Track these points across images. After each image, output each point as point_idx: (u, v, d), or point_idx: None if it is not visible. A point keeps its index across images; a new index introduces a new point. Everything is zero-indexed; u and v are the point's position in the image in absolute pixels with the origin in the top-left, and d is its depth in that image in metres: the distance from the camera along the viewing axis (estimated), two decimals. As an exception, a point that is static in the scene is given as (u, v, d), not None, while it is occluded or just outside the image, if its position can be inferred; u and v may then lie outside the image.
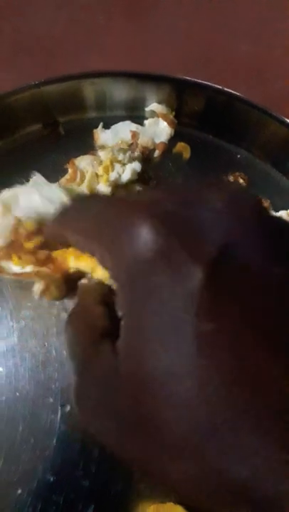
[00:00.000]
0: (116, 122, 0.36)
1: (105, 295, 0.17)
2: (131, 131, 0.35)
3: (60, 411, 0.29)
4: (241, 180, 0.34)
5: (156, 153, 0.35)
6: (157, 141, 0.35)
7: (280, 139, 0.35)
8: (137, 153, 0.33)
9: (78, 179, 0.32)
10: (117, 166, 0.31)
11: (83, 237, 0.17)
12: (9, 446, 0.28)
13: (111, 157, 0.32)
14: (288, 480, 0.12)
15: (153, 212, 0.14)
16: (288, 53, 0.46)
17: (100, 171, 0.32)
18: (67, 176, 0.33)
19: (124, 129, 0.35)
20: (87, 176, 0.32)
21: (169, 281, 0.13)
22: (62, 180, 0.33)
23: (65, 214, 0.19)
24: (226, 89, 0.34)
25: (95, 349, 0.15)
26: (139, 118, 0.37)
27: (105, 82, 0.36)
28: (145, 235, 0.14)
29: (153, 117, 0.36)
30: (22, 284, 0.30)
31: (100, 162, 0.32)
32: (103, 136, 0.35)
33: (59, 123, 0.37)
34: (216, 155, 0.36)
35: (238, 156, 0.37)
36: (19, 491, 0.28)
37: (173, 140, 0.36)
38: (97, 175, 0.32)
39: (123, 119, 0.36)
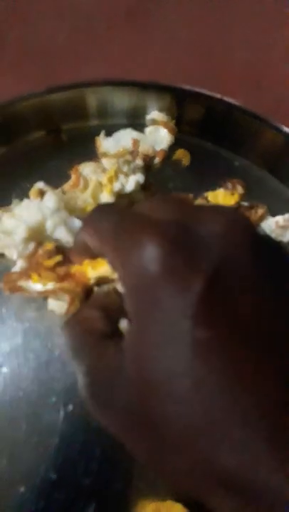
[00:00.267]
0: (117, 130, 0.37)
1: (102, 300, 0.20)
2: (132, 138, 0.36)
3: (62, 410, 0.30)
4: (239, 187, 0.35)
5: (157, 160, 0.36)
6: (158, 148, 0.36)
7: (277, 146, 0.36)
8: (140, 165, 0.33)
9: (81, 186, 0.33)
10: (121, 177, 0.32)
11: (99, 241, 0.19)
12: (13, 445, 0.29)
13: (115, 168, 0.32)
14: (276, 472, 0.13)
15: (160, 231, 0.16)
16: (286, 62, 0.47)
17: (104, 180, 0.32)
18: (70, 182, 0.33)
19: (126, 137, 0.36)
20: (91, 185, 0.32)
21: (170, 294, 0.15)
22: (65, 186, 0.34)
23: (87, 217, 0.21)
24: (225, 98, 0.35)
25: (102, 349, 0.17)
26: (140, 126, 0.38)
27: (107, 90, 0.36)
28: (153, 252, 0.16)
29: (154, 125, 0.37)
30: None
31: (103, 169, 0.33)
32: (105, 143, 0.36)
33: (62, 130, 0.38)
34: (215, 162, 0.37)
35: (236, 163, 0.38)
36: (22, 489, 0.28)
37: (173, 147, 0.37)
38: (100, 184, 0.32)
39: (124, 126, 0.37)
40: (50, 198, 0.30)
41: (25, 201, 0.30)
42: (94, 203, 0.32)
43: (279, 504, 0.13)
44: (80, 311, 0.20)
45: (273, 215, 0.35)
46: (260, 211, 0.34)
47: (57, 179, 0.34)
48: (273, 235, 0.34)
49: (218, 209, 0.18)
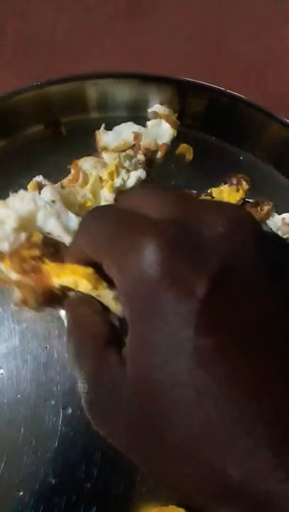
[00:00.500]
0: (118, 123, 0.36)
1: (98, 305, 0.19)
2: (133, 132, 0.35)
3: (61, 413, 0.29)
4: (244, 182, 0.34)
5: (159, 155, 0.35)
6: (160, 142, 0.35)
7: (283, 140, 0.35)
8: (142, 160, 0.32)
9: (81, 181, 0.32)
10: (122, 172, 0.31)
11: (94, 247, 0.18)
12: (11, 448, 0.28)
13: (117, 163, 0.31)
14: (282, 483, 0.13)
15: (159, 232, 0.15)
16: (290, 55, 0.46)
17: (105, 175, 0.31)
18: (69, 177, 0.33)
19: (127, 131, 0.35)
20: (91, 180, 0.31)
21: (172, 301, 0.14)
22: (65, 180, 0.33)
23: (82, 222, 0.20)
24: (228, 91, 0.34)
25: (102, 358, 0.16)
26: (141, 119, 0.37)
27: (108, 82, 0.36)
28: (152, 256, 0.15)
29: (155, 118, 0.36)
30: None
31: (104, 164, 0.32)
32: (105, 137, 0.35)
33: (61, 123, 0.37)
34: (219, 157, 0.36)
35: (241, 157, 0.37)
36: (21, 493, 0.28)
37: (175, 141, 0.36)
38: (101, 179, 0.32)
39: (125, 120, 0.36)
40: (47, 190, 0.30)
41: (21, 192, 0.29)
42: (93, 199, 0.31)
43: None
44: (82, 315, 0.19)
45: (280, 212, 0.34)
46: (266, 208, 0.33)
47: (56, 174, 0.33)
48: (279, 232, 0.33)
49: (219, 205, 0.17)
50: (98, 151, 0.35)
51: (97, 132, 0.35)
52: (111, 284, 0.19)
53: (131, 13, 0.48)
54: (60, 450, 0.28)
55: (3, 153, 0.36)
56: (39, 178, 0.32)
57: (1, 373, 0.30)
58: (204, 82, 0.35)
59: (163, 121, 0.36)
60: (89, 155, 0.33)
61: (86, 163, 0.32)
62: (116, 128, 0.36)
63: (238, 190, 0.34)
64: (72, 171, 0.32)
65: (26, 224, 0.28)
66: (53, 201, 0.29)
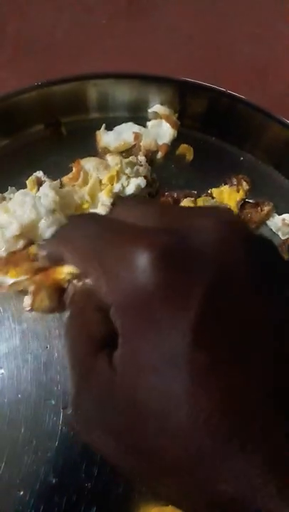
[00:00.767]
0: (118, 123, 0.36)
1: (100, 300, 0.18)
2: (133, 132, 0.35)
3: (62, 413, 0.29)
4: (244, 183, 0.34)
5: (159, 155, 0.35)
6: (160, 142, 0.35)
7: (283, 141, 0.35)
8: (144, 171, 0.32)
9: (80, 180, 0.32)
10: (123, 178, 0.31)
11: (79, 258, 0.17)
12: (11, 447, 0.28)
13: (118, 168, 0.31)
14: (273, 498, 0.13)
15: (151, 242, 0.15)
16: (290, 55, 0.46)
17: (105, 179, 0.31)
18: (69, 175, 0.33)
19: (127, 131, 0.35)
20: (91, 181, 0.31)
21: (166, 315, 0.14)
22: (65, 178, 0.33)
23: (63, 231, 0.19)
24: (229, 91, 0.34)
25: (93, 361, 0.16)
26: (141, 119, 0.37)
27: (108, 83, 0.36)
28: (145, 267, 0.14)
29: (156, 119, 0.36)
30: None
31: (106, 166, 0.32)
32: (105, 137, 0.35)
33: (61, 123, 0.37)
34: (219, 157, 0.36)
35: (241, 158, 0.37)
36: (21, 493, 0.28)
37: (176, 142, 0.36)
38: (100, 182, 0.32)
39: (125, 120, 0.36)
40: (47, 196, 0.30)
41: (20, 193, 0.29)
42: (90, 201, 0.31)
43: None
44: (80, 310, 0.18)
45: (280, 212, 0.34)
46: (266, 208, 0.33)
47: (56, 174, 0.33)
48: (280, 233, 0.33)
49: (206, 211, 0.17)
50: (99, 151, 0.35)
51: (97, 132, 0.35)
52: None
53: (131, 13, 0.48)
54: (60, 450, 0.28)
55: (3, 153, 0.36)
56: (39, 174, 0.32)
57: (2, 373, 0.30)
58: (204, 83, 0.35)
59: (163, 121, 0.36)
60: (93, 156, 0.33)
61: (88, 164, 0.32)
62: (116, 128, 0.36)
63: (238, 191, 0.34)
64: (74, 169, 0.32)
65: (27, 231, 0.28)
66: (54, 210, 0.29)
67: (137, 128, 0.35)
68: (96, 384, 0.15)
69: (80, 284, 0.19)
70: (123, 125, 0.36)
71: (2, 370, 0.30)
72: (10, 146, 0.36)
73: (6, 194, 0.32)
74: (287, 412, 0.13)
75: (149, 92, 0.36)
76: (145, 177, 0.32)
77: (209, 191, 0.34)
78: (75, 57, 0.45)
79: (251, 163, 0.36)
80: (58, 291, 0.23)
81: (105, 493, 0.28)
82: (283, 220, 0.33)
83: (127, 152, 0.35)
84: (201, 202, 0.33)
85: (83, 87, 0.35)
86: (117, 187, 0.31)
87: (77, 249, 0.18)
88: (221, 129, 0.37)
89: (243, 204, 0.34)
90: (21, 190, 0.30)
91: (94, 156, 0.34)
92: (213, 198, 0.33)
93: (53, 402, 0.29)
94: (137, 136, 0.35)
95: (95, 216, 0.21)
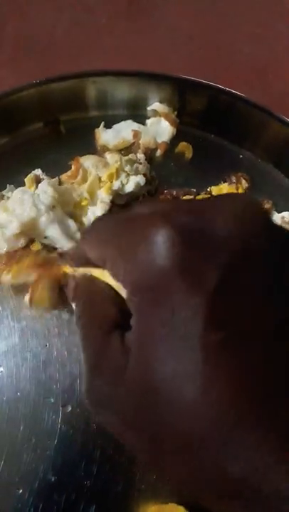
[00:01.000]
0: (117, 121, 0.36)
1: (107, 285, 0.18)
2: (133, 130, 0.35)
3: (61, 411, 0.29)
4: (243, 181, 0.34)
5: (158, 153, 0.35)
6: (159, 140, 0.35)
7: (283, 140, 0.35)
8: (143, 169, 0.32)
9: (79, 178, 0.32)
10: (122, 176, 0.31)
11: (97, 247, 0.17)
12: (10, 446, 0.28)
13: (118, 166, 0.31)
14: (284, 474, 0.13)
15: (169, 222, 0.15)
16: (290, 54, 0.46)
17: (104, 177, 0.31)
18: (68, 173, 0.33)
19: (126, 129, 0.35)
20: (90, 179, 0.31)
21: (181, 292, 0.14)
22: (63, 176, 0.33)
23: (88, 229, 0.20)
24: (228, 89, 0.34)
25: (106, 341, 0.16)
26: (140, 117, 0.37)
27: (107, 80, 0.36)
28: (161, 244, 0.14)
29: (155, 116, 0.36)
30: (23, 283, 0.30)
31: (105, 164, 0.32)
32: (104, 135, 0.35)
33: (60, 121, 0.37)
34: (219, 155, 0.36)
35: (241, 156, 0.37)
36: (20, 491, 0.28)
37: (175, 140, 0.36)
38: (100, 179, 0.32)
39: (125, 118, 0.36)
40: (46, 194, 0.30)
41: (19, 191, 0.29)
42: (89, 198, 0.31)
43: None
44: (94, 291, 0.18)
45: (279, 210, 0.34)
46: (266, 206, 0.33)
47: (55, 172, 0.33)
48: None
49: (227, 196, 0.17)
50: (98, 149, 0.35)
51: (96, 130, 0.35)
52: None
53: (131, 13, 0.48)
54: (59, 448, 0.28)
55: (1, 151, 0.36)
56: (37, 172, 0.32)
57: (1, 371, 0.30)
58: (204, 81, 0.35)
59: (162, 119, 0.36)
60: (91, 154, 0.33)
61: (88, 161, 0.32)
62: (115, 126, 0.36)
63: (237, 189, 0.34)
64: (73, 167, 0.32)
65: (27, 229, 0.28)
66: (54, 206, 0.29)
67: (136, 126, 0.35)
68: (108, 364, 0.16)
69: (80, 274, 0.19)
70: (122, 123, 0.36)
71: (1, 368, 0.30)
72: (9, 144, 0.36)
73: (4, 192, 0.32)
74: None
75: (148, 89, 0.36)
76: (144, 175, 0.32)
77: (208, 189, 0.34)
78: (75, 57, 0.45)
79: (251, 161, 0.36)
80: (57, 287, 0.23)
81: (105, 492, 0.28)
82: (283, 218, 0.33)
83: (126, 150, 0.35)
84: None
85: (82, 84, 0.35)
86: (116, 184, 0.31)
87: (95, 240, 0.18)
88: (221, 127, 0.37)
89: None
90: (20, 189, 0.30)
91: (93, 154, 0.34)
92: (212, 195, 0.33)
93: (52, 400, 0.29)
94: (136, 134, 0.35)
95: (118, 213, 0.22)
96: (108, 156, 0.33)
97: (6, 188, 0.32)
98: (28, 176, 0.33)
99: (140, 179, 0.32)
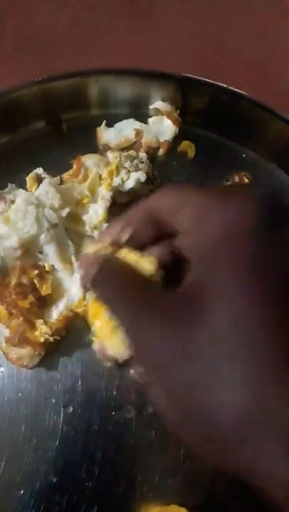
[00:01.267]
0: (119, 120, 0.36)
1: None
2: (135, 129, 0.35)
3: (62, 412, 0.29)
4: (246, 180, 0.34)
5: (161, 152, 0.35)
6: (161, 139, 0.35)
7: (285, 139, 0.35)
8: (144, 167, 0.32)
9: (81, 177, 0.32)
10: (122, 172, 0.31)
11: (177, 198, 0.18)
12: (11, 446, 0.28)
13: (118, 162, 0.31)
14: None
15: (249, 195, 0.16)
16: (292, 52, 0.46)
17: (105, 174, 0.31)
18: (70, 172, 0.32)
19: (128, 127, 0.35)
20: (91, 176, 0.31)
21: (233, 249, 0.15)
22: (65, 175, 0.33)
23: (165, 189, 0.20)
24: (230, 87, 0.34)
25: (146, 299, 0.17)
26: (143, 116, 0.36)
27: (109, 79, 0.35)
28: (249, 208, 0.16)
29: (157, 115, 0.36)
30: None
31: (107, 163, 0.32)
32: (106, 134, 0.35)
33: (62, 120, 0.36)
34: (221, 154, 0.36)
35: (243, 155, 0.36)
36: (21, 492, 0.27)
37: (177, 138, 0.36)
38: (100, 177, 0.31)
39: (127, 116, 0.36)
40: (47, 194, 0.29)
41: (23, 200, 0.29)
42: (90, 196, 0.31)
43: None
44: (120, 263, 0.19)
45: (282, 209, 0.34)
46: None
47: (56, 170, 0.33)
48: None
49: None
50: (100, 148, 0.35)
51: (98, 129, 0.35)
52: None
53: (132, 11, 0.48)
54: (61, 449, 0.28)
55: (3, 150, 0.35)
56: (39, 171, 0.32)
57: (2, 371, 0.30)
58: (207, 79, 0.34)
59: (165, 118, 0.36)
60: (93, 152, 0.33)
61: (89, 160, 0.32)
62: (117, 125, 0.35)
63: (240, 188, 0.34)
64: (74, 166, 0.32)
65: (26, 243, 0.28)
66: (56, 224, 0.29)
67: (138, 125, 0.35)
68: (156, 314, 0.16)
69: (103, 256, 0.19)
70: (124, 122, 0.36)
71: (2, 369, 0.30)
72: (10, 142, 0.36)
73: (6, 191, 0.32)
74: None
75: (150, 88, 0.36)
76: (146, 174, 0.32)
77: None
78: (76, 56, 0.44)
79: (253, 161, 0.36)
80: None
81: (106, 493, 0.27)
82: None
83: (128, 149, 0.34)
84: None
85: (84, 83, 0.35)
86: (116, 181, 0.31)
87: (178, 192, 0.19)
88: (223, 125, 0.36)
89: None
90: (24, 195, 0.30)
91: (94, 152, 0.34)
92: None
93: (54, 400, 0.29)
94: (138, 133, 0.34)
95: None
96: (110, 155, 0.33)
97: (7, 187, 0.32)
98: (30, 174, 0.32)
99: (140, 175, 0.31)
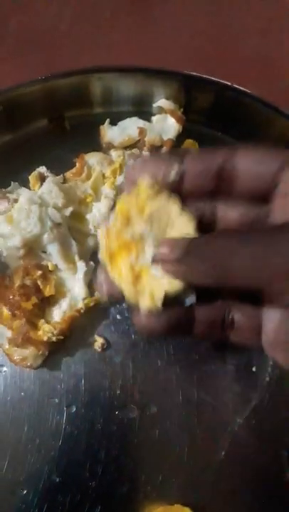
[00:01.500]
0: (122, 118, 0.36)
1: None
2: (138, 127, 0.34)
3: (65, 412, 0.29)
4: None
5: (164, 150, 0.35)
6: (165, 137, 0.35)
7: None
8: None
9: (84, 175, 0.32)
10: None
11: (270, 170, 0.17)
12: (14, 446, 0.28)
13: (121, 161, 0.31)
14: None
15: None
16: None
17: (108, 172, 0.31)
18: (73, 170, 0.32)
19: (132, 126, 0.35)
20: (94, 175, 0.31)
21: None
22: (68, 173, 0.33)
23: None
24: (234, 85, 0.34)
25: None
26: (146, 114, 0.36)
27: (112, 77, 0.35)
28: None
29: (161, 113, 0.36)
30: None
31: (110, 162, 0.32)
32: (110, 132, 0.34)
33: (65, 118, 0.36)
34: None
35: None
36: (25, 491, 0.27)
37: (181, 137, 0.35)
38: (104, 175, 0.31)
39: (130, 114, 0.36)
40: (50, 193, 0.29)
41: (27, 199, 0.29)
42: (94, 195, 0.31)
43: None
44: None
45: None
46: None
47: (59, 169, 0.33)
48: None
49: None
50: (103, 146, 0.34)
51: (101, 127, 0.35)
52: None
53: (135, 7, 0.48)
54: (64, 449, 0.28)
55: (6, 148, 0.35)
56: (42, 169, 0.32)
57: (4, 371, 0.30)
58: (210, 77, 0.34)
59: (168, 116, 0.35)
60: (96, 151, 0.33)
61: (92, 159, 0.32)
62: (120, 123, 0.35)
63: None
64: (78, 164, 0.32)
65: (29, 242, 0.28)
66: (59, 224, 0.29)
67: (141, 123, 0.35)
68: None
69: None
70: (127, 120, 0.35)
71: (5, 368, 0.30)
72: (13, 140, 0.36)
73: (8, 190, 0.31)
74: None
75: (153, 86, 0.35)
76: None
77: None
78: (78, 52, 0.44)
79: (257, 159, 0.36)
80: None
81: (110, 493, 0.27)
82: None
83: (131, 147, 0.34)
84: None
85: (87, 81, 0.35)
86: (120, 179, 0.31)
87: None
88: (227, 124, 0.36)
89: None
90: (27, 194, 0.30)
91: (98, 151, 0.34)
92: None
93: (57, 400, 0.29)
94: (142, 131, 0.34)
95: None
96: (113, 153, 0.32)
97: (10, 186, 0.32)
98: (33, 173, 0.32)
99: None
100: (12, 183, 0.32)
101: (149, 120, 0.36)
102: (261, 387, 0.29)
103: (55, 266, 0.29)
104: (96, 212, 0.31)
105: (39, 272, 0.28)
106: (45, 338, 0.28)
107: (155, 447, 0.28)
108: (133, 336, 0.30)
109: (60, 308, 0.29)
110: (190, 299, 0.18)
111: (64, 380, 0.29)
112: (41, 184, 0.31)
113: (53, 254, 0.29)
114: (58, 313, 0.29)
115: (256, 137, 0.36)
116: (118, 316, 0.31)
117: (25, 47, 0.44)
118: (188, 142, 0.36)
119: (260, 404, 0.29)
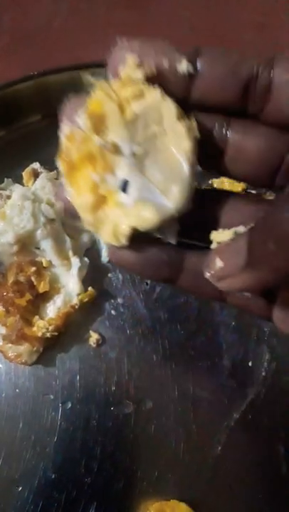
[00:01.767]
0: (117, 114, 0.35)
1: None
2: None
3: (60, 408, 0.29)
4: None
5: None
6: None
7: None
8: None
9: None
10: None
11: None
12: (9, 443, 0.28)
13: None
14: None
15: None
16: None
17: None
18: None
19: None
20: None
21: None
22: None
23: None
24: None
25: None
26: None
27: (107, 72, 0.35)
28: None
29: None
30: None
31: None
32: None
33: (59, 114, 0.36)
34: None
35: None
36: (20, 489, 0.27)
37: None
38: None
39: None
40: (42, 178, 0.29)
41: (20, 195, 0.29)
42: None
43: None
44: None
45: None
46: (267, 199, 0.33)
47: (53, 165, 0.33)
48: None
49: None
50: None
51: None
52: None
53: (130, 2, 0.47)
54: (59, 445, 0.28)
55: (0, 144, 0.35)
56: (35, 165, 0.32)
57: (-1, 367, 0.30)
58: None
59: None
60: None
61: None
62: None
63: (239, 181, 0.33)
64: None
65: (23, 238, 0.28)
66: (53, 220, 0.29)
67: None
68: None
69: None
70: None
71: (0, 365, 0.30)
72: (6, 137, 0.35)
73: (2, 186, 0.31)
74: None
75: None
76: None
77: (210, 181, 0.33)
78: (73, 48, 0.44)
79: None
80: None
81: (105, 489, 0.27)
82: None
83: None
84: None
85: (82, 76, 0.35)
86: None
87: None
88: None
89: (244, 195, 0.33)
90: (20, 190, 0.30)
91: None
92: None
93: (52, 396, 0.29)
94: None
95: None
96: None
97: (3, 182, 0.32)
98: (26, 169, 0.32)
99: None
100: (5, 179, 0.32)
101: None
102: (257, 382, 0.29)
103: (49, 262, 0.29)
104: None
105: (33, 269, 0.28)
106: (39, 335, 0.28)
107: (151, 443, 0.28)
108: (128, 332, 0.30)
109: (54, 305, 0.29)
110: (172, 235, 0.15)
111: (59, 377, 0.29)
112: (35, 180, 0.31)
113: (47, 250, 0.29)
114: (53, 310, 0.29)
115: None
116: (113, 312, 0.31)
117: (20, 43, 0.44)
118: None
119: (256, 399, 0.29)
